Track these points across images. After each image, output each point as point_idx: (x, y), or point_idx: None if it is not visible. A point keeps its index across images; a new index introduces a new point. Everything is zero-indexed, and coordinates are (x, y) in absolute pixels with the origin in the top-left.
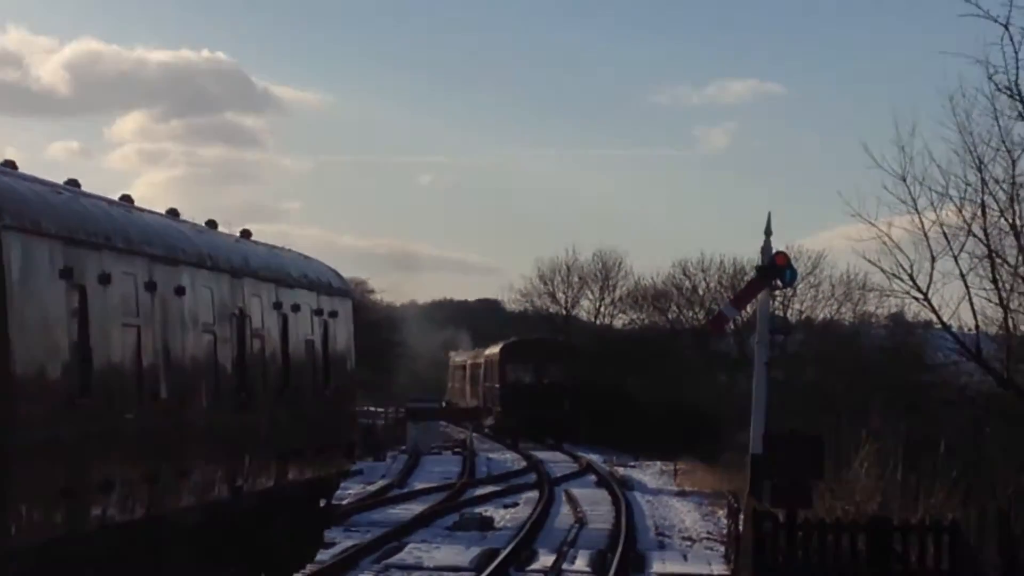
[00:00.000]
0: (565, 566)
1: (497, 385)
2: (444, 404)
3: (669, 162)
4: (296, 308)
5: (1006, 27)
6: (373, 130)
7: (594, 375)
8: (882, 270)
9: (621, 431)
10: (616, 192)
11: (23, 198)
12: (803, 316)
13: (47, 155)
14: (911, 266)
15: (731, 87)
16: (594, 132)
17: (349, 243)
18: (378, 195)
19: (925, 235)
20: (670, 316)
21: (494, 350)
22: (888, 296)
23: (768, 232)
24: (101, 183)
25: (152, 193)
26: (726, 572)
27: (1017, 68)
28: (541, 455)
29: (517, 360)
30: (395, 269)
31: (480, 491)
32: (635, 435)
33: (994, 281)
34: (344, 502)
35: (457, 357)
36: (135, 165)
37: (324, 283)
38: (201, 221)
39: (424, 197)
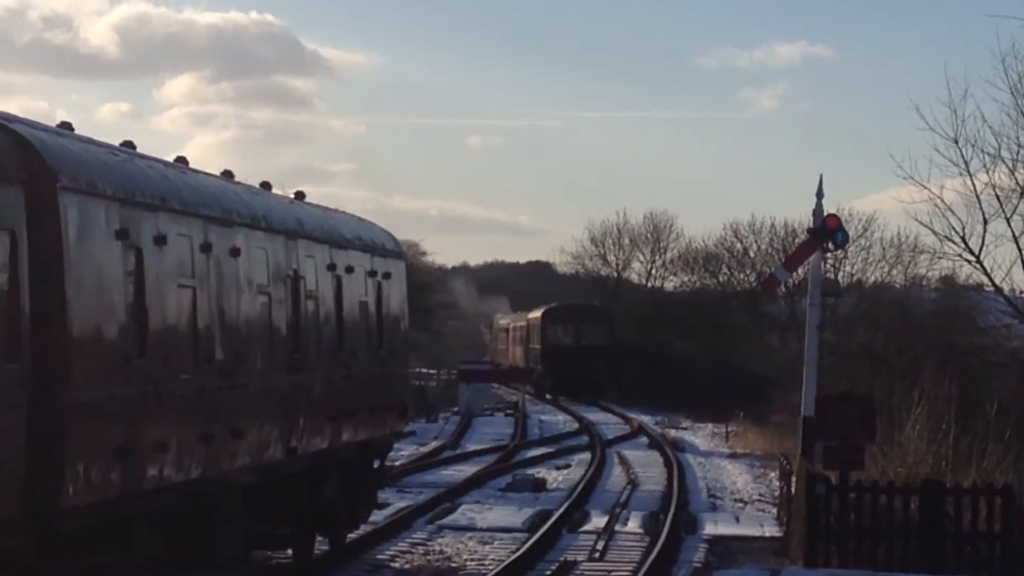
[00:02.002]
0: (617, 527)
1: (539, 346)
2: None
3: (718, 125)
4: (350, 270)
5: None
6: (422, 92)
7: (642, 337)
8: (934, 232)
9: (671, 392)
10: (666, 155)
11: (79, 159)
12: (854, 279)
13: (97, 117)
14: (963, 228)
15: (779, 50)
16: (642, 95)
17: (399, 205)
18: (428, 157)
19: (977, 197)
20: (721, 279)
21: (536, 314)
22: (940, 258)
23: (820, 194)
24: (151, 145)
25: (202, 155)
26: (778, 534)
27: None
28: (592, 417)
29: (557, 323)
30: (446, 231)
31: (532, 452)
32: (685, 397)
33: None
34: (397, 463)
35: (501, 320)
36: (185, 127)
37: (377, 245)
38: (251, 183)
39: (474, 159)
